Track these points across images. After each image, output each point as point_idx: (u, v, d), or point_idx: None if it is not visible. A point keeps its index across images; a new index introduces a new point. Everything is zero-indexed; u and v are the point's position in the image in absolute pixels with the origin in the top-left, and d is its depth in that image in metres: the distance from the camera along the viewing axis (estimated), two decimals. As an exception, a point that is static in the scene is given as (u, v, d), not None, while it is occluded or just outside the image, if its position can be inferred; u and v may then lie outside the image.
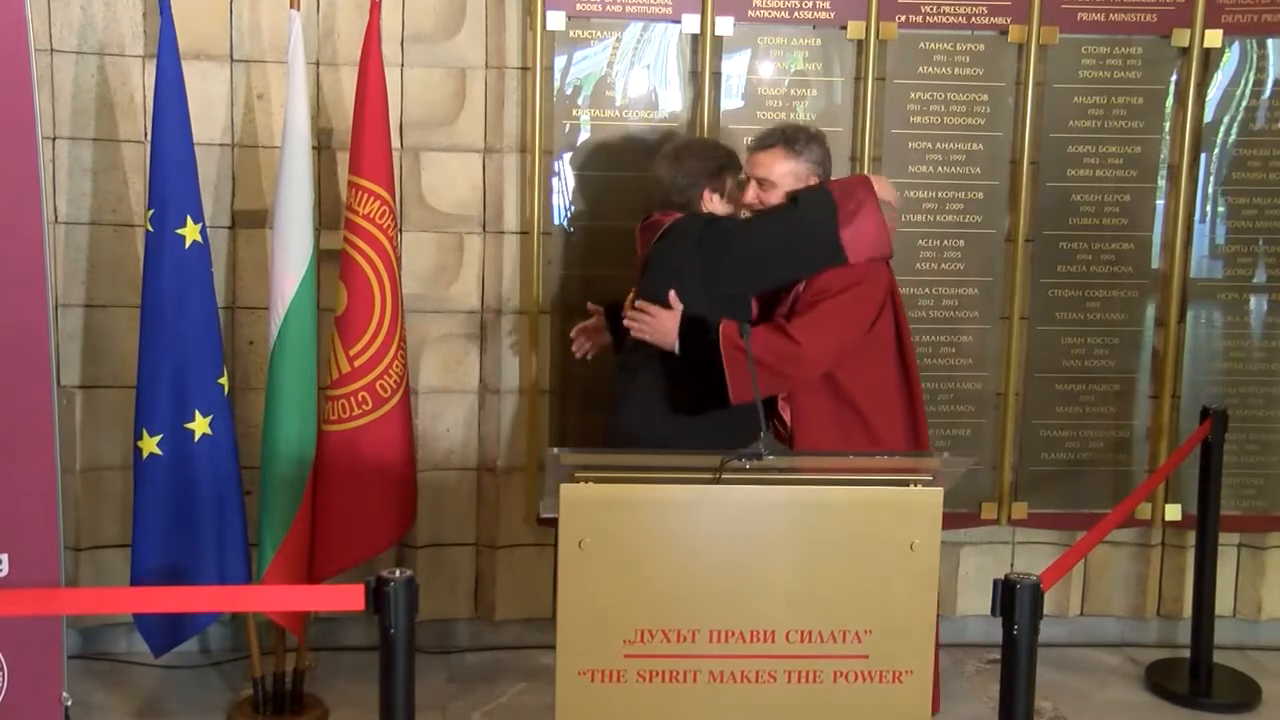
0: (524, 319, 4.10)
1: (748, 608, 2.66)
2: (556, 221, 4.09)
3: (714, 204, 3.47)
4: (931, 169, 4.17)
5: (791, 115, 4.07)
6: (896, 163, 4.15)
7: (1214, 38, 4.14)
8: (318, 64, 3.99)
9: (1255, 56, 4.20)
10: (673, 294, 3.33)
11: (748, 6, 4.04)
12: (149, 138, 3.67)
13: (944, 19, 4.11)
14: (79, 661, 4.01)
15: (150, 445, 3.56)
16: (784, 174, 3.43)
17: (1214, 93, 4.22)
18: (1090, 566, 4.44)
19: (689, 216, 3.44)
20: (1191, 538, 4.21)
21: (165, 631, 3.69)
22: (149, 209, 3.55)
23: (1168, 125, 4.21)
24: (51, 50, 3.82)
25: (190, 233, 3.56)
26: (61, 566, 3.41)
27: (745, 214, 3.50)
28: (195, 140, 3.62)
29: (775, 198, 3.43)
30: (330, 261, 3.85)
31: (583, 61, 4.04)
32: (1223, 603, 4.30)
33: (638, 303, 3.41)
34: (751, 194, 3.47)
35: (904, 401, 3.51)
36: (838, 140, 4.09)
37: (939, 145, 4.16)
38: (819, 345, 3.30)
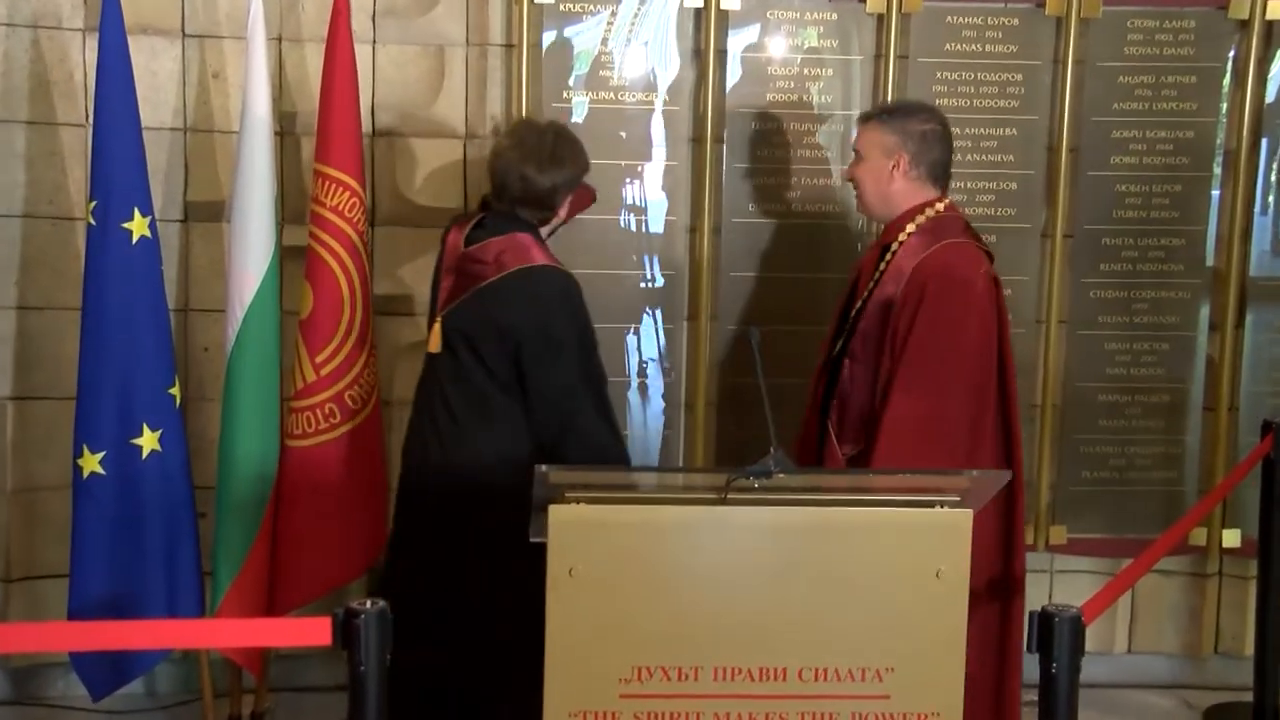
0: (508, 323, 4.12)
1: (756, 642, 2.67)
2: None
3: (565, 210, 3.42)
4: (959, 156, 4.15)
5: (805, 98, 4.11)
6: (922, 149, 4.18)
7: (1277, 9, 4.17)
8: (280, 40, 4.02)
9: (1321, 30, 4.23)
10: None
11: (757, -23, 4.08)
12: (91, 121, 3.69)
13: (974, -10, 4.15)
14: (9, 708, 4.02)
15: (92, 463, 3.58)
16: (869, 144, 3.42)
17: (1276, 70, 4.24)
18: (1138, 598, 4.46)
19: (554, 305, 3.29)
20: (1252, 566, 4.24)
21: (107, 672, 3.70)
22: (91, 200, 3.58)
23: (1225, 107, 4.24)
24: (-19, 23, 3.86)
25: (138, 227, 3.58)
26: (-8, 598, 3.43)
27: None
28: (143, 124, 3.65)
29: (861, 170, 3.43)
30: (294, 259, 3.87)
31: (574, 38, 4.07)
32: (1287, 639, 4.33)
33: None
34: (847, 168, 3.55)
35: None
36: (854, 127, 4.13)
37: (968, 130, 4.18)
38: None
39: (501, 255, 3.30)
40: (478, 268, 3.31)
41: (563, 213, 3.43)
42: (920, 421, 3.27)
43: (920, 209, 3.39)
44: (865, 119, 3.49)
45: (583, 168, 3.44)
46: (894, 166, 3.38)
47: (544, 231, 3.40)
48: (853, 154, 3.52)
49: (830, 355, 3.50)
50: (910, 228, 3.37)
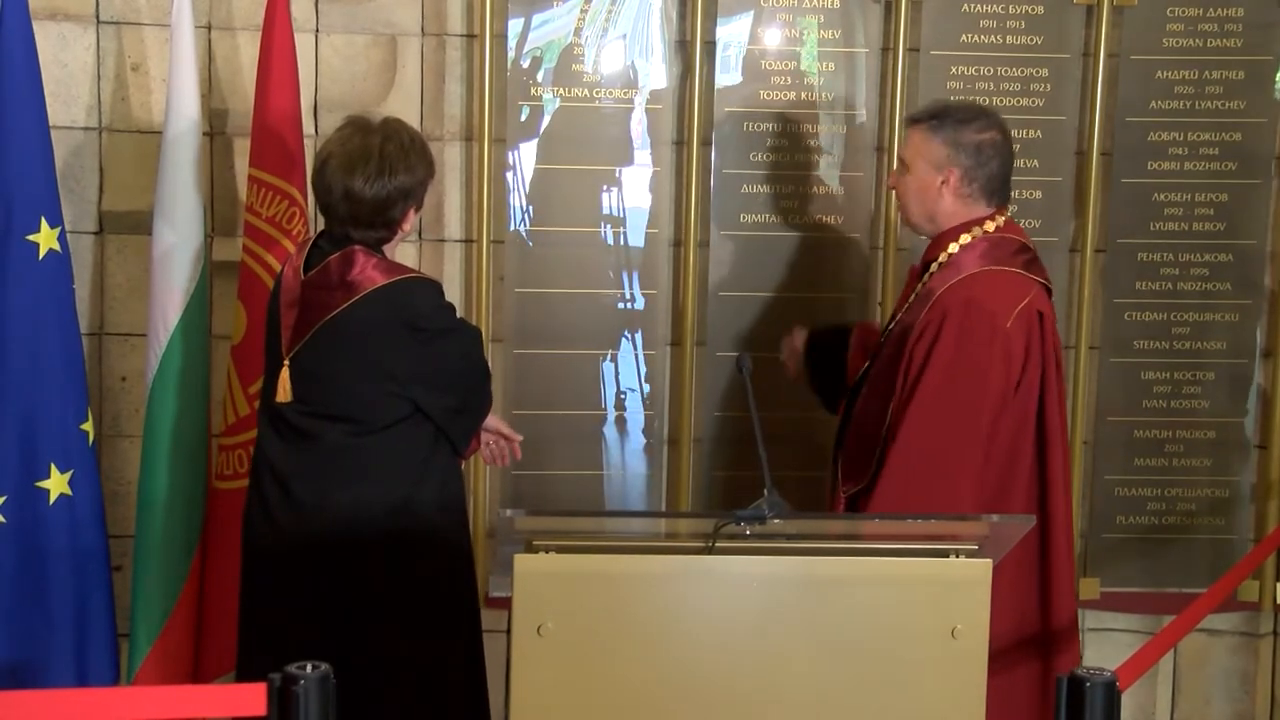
0: (468, 349, 4.13)
1: (747, 710, 2.68)
2: (511, 228, 4.14)
3: (410, 221, 3.32)
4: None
5: (803, 95, 4.14)
6: (936, 153, 4.21)
7: (1335, -4, 4.23)
8: (209, 27, 4.03)
9: (1388, 18, 4.27)
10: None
11: (749, -42, 4.12)
12: (-8, 119, 3.70)
13: (994, -25, 4.20)
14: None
15: (-9, 509, 3.58)
16: (915, 154, 3.41)
17: (1335, 65, 4.29)
18: (1182, 661, 4.47)
19: (455, 336, 3.38)
20: (1311, 625, 4.27)
21: (8, 747, 3.69)
22: (-8, 210, 3.59)
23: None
24: None
25: (45, 240, 3.58)
26: None
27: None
28: (51, 123, 3.65)
29: (905, 183, 3.43)
30: (225, 276, 3.88)
31: (543, 27, 4.10)
32: (1353, 708, 4.36)
33: None
34: (892, 175, 3.59)
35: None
36: (861, 128, 4.17)
37: (988, 132, 4.21)
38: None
39: (351, 284, 3.20)
40: (323, 295, 3.23)
41: (406, 226, 3.31)
42: (931, 466, 3.28)
43: (968, 226, 3.38)
44: (913, 122, 3.46)
45: (419, 171, 3.27)
46: (943, 183, 3.36)
47: (387, 250, 3.29)
48: (897, 161, 3.53)
49: (855, 382, 3.54)
50: (953, 247, 3.37)
